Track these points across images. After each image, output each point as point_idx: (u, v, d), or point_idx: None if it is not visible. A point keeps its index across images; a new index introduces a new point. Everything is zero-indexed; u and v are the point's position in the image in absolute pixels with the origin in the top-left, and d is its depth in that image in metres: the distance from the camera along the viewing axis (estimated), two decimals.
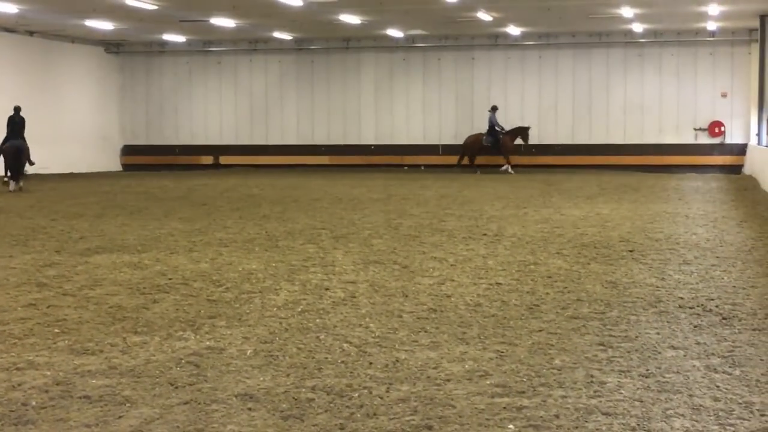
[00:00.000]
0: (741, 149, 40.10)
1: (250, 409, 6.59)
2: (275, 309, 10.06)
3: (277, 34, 41.80)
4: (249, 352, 8.19)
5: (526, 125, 40.20)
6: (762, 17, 34.30)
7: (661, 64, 41.26)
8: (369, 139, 44.13)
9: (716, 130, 40.64)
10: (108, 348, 8.34)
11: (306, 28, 39.67)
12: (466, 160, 40.04)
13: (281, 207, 22.59)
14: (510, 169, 38.84)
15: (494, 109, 40.26)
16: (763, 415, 6.34)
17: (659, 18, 36.39)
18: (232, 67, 45.38)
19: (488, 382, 7.18)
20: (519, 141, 39.77)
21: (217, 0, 31.44)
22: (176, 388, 7.10)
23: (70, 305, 10.33)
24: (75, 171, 41.88)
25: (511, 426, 6.18)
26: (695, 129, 40.95)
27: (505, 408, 6.55)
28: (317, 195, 26.42)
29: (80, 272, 12.69)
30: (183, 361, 7.89)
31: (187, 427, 6.22)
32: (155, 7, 31.64)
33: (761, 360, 7.79)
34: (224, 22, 36.51)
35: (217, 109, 45.61)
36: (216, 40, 44.27)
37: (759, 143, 35.90)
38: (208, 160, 45.22)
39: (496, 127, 39.67)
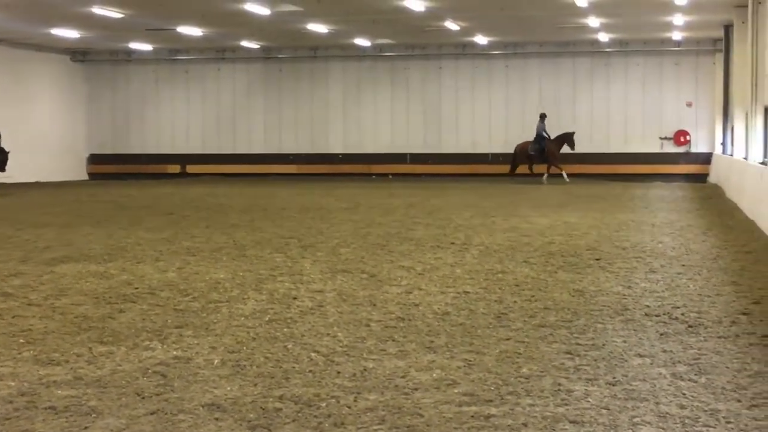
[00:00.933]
0: (706, 158, 40.42)
1: (217, 419, 6.56)
2: (243, 318, 10.02)
3: (244, 43, 41.75)
4: (216, 361, 8.15)
5: (570, 131, 39.26)
6: (726, 27, 34.61)
7: (627, 74, 41.54)
8: (337, 148, 44.14)
9: (682, 139, 40.95)
10: (74, 358, 8.27)
11: (274, 37, 39.64)
12: (521, 169, 39.34)
13: (249, 216, 22.53)
14: (566, 177, 38.09)
15: (542, 117, 39.36)
16: (729, 423, 6.38)
17: (625, 28, 36.64)
18: (200, 75, 45.26)
19: (456, 391, 7.18)
20: (566, 148, 38.87)
21: (185, 8, 31.36)
22: (143, 398, 7.06)
23: (36, 315, 10.25)
24: (41, 180, 41.61)
25: None
26: (661, 138, 41.24)
27: (473, 417, 6.55)
28: (285, 204, 26.37)
29: (46, 282, 12.59)
30: (150, 371, 7.84)
31: None
32: (121, 16, 31.52)
33: (727, 367, 7.84)
34: (191, 30, 36.41)
35: (184, 117, 45.47)
36: (183, 49, 44.14)
37: (724, 152, 36.18)
38: (175, 169, 45.06)
39: (544, 134, 38.91)
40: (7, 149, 34.71)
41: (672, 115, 40.97)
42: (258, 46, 42.95)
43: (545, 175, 38.47)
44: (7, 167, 33.15)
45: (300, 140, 44.49)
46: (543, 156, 38.58)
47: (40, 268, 13.82)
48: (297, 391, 7.22)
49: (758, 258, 14.56)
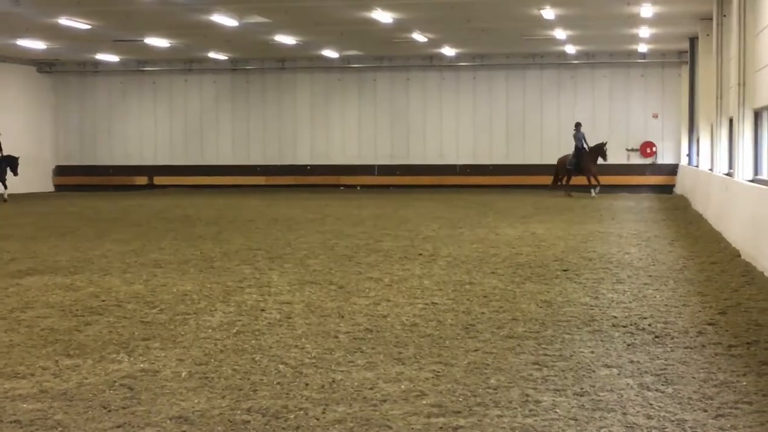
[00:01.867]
0: (672, 169, 40.68)
1: (184, 431, 6.53)
2: (210, 330, 9.99)
3: (212, 54, 41.66)
4: (184, 374, 8.11)
5: (602, 141, 37.12)
6: (691, 40, 34.88)
7: (593, 86, 41.78)
8: (305, 159, 44.10)
9: (648, 151, 41.21)
10: (39, 371, 8.21)
11: (241, 48, 39.58)
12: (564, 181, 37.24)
13: (216, 228, 22.46)
14: (594, 191, 36.05)
15: (578, 126, 37.09)
16: None
17: (592, 40, 36.86)
18: (167, 87, 45.11)
19: (424, 402, 7.18)
20: (600, 160, 37.01)
21: (152, 20, 31.25)
22: (109, 411, 7.01)
23: (1, 328, 10.17)
24: (6, 192, 41.21)
25: None
26: (627, 149, 41.48)
27: (441, 428, 6.56)
28: (253, 215, 26.32)
29: (11, 294, 12.50)
30: (116, 384, 7.80)
31: None
32: (88, 27, 31.36)
33: (693, 378, 7.89)
34: (159, 42, 36.29)
35: (151, 129, 45.29)
36: (150, 60, 43.98)
37: (689, 163, 36.43)
38: (142, 180, 44.85)
39: (582, 147, 36.58)
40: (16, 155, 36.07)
41: (638, 127, 41.24)
42: (226, 58, 42.87)
43: (596, 189, 36.04)
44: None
45: (268, 151, 44.41)
46: (580, 168, 36.48)
47: (5, 281, 13.72)
48: (265, 403, 7.20)
49: (724, 268, 14.66)
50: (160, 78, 45.07)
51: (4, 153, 35.68)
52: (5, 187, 35.38)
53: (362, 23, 31.01)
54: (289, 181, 43.34)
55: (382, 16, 29.13)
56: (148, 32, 34.37)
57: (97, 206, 31.60)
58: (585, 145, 36.45)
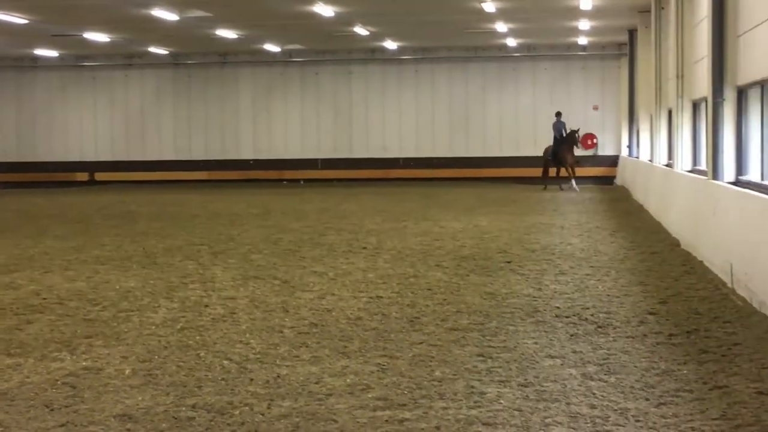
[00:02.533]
0: (613, 161, 41.04)
1: (128, 429, 6.49)
2: (154, 327, 9.93)
3: (152, 49, 41.31)
4: (127, 371, 8.06)
5: (575, 128, 36.01)
6: (630, 32, 35.19)
7: (535, 78, 42.02)
8: (247, 153, 43.91)
9: (589, 143, 41.52)
10: None
11: (182, 43, 39.28)
12: (551, 172, 36.00)
13: (159, 223, 22.31)
14: (570, 184, 34.97)
15: (558, 115, 36.33)
16: (638, 421, 6.49)
17: (532, 33, 37.05)
18: (107, 82, 44.65)
19: (370, 396, 7.20)
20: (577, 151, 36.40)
21: (90, 14, 30.90)
22: (52, 410, 6.95)
23: None
24: None
25: None
26: None
27: (387, 421, 6.57)
28: (196, 211, 26.17)
29: None
30: (59, 382, 7.73)
31: None
32: (26, 21, 30.95)
33: (635, 367, 7.98)
34: (98, 36, 35.90)
35: (92, 124, 44.81)
36: (90, 55, 43.50)
37: (630, 155, 36.78)
38: (83, 176, 44.35)
39: (557, 135, 35.58)
40: None
41: (579, 119, 41.45)
42: (166, 52, 42.52)
43: (570, 182, 35.01)
44: None
45: (210, 146, 44.14)
46: (558, 159, 35.30)
47: None
48: (210, 399, 7.18)
49: (664, 258, 14.84)
50: (100, 73, 44.60)
51: None
52: None
53: (304, 17, 30.91)
54: (231, 176, 43.11)
55: (324, 10, 29.07)
56: (87, 27, 33.99)
57: (36, 203, 31.23)
58: (564, 133, 35.53)
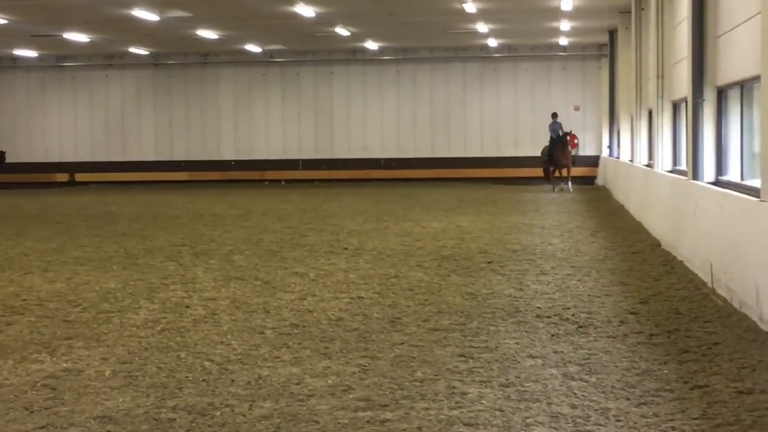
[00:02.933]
0: (594, 161, 41.14)
1: (109, 431, 6.46)
2: (134, 328, 9.89)
3: (133, 49, 41.18)
4: (107, 373, 8.03)
5: (567, 131, 35.47)
6: (611, 33, 35.30)
7: (516, 79, 42.10)
8: (229, 154, 43.84)
9: (549, 142, 41.55)
10: None
11: (163, 43, 39.18)
12: (555, 173, 35.24)
13: (140, 224, 22.24)
14: (568, 186, 33.93)
15: (554, 116, 35.55)
16: (618, 421, 6.51)
17: (513, 34, 37.12)
18: (87, 82, 44.50)
19: (351, 397, 7.19)
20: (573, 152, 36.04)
21: (70, 14, 30.79)
22: (32, 412, 6.92)
23: None
24: None
25: None
26: None
27: (368, 422, 6.57)
28: (177, 211, 26.10)
29: None
30: (39, 384, 7.69)
31: None
32: (5, 21, 30.82)
33: (616, 366, 8.00)
34: (78, 36, 35.77)
35: (72, 125, 44.64)
36: (70, 55, 43.34)
37: (610, 155, 36.88)
38: (63, 177, 44.18)
39: (553, 136, 34.79)
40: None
41: (560, 119, 41.58)
42: (147, 53, 42.41)
43: (565, 183, 34.15)
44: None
45: (191, 147, 44.06)
46: (553, 161, 34.73)
47: None
48: (191, 400, 7.16)
49: (645, 258, 14.89)
50: (80, 73, 44.45)
51: None
52: None
53: (285, 17, 30.88)
54: (213, 177, 43.03)
55: (305, 10, 29.05)
56: (66, 27, 33.86)
57: (15, 204, 31.09)
58: (558, 136, 34.62)
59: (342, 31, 34.82)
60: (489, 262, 14.68)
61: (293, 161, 43.39)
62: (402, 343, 8.99)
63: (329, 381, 7.66)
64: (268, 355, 8.59)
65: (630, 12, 28.27)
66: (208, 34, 35.33)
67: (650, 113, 24.11)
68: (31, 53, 42.15)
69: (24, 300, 11.78)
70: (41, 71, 44.51)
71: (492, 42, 39.47)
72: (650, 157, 24.25)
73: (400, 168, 42.16)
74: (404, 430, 6.38)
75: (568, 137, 34.77)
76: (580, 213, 24.20)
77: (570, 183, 33.93)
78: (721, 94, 15.70)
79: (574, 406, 6.86)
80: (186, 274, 13.80)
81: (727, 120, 15.68)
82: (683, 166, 18.72)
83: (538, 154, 41.22)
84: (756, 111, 13.49)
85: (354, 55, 42.66)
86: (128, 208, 28.00)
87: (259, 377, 7.81)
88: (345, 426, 6.49)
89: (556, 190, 33.92)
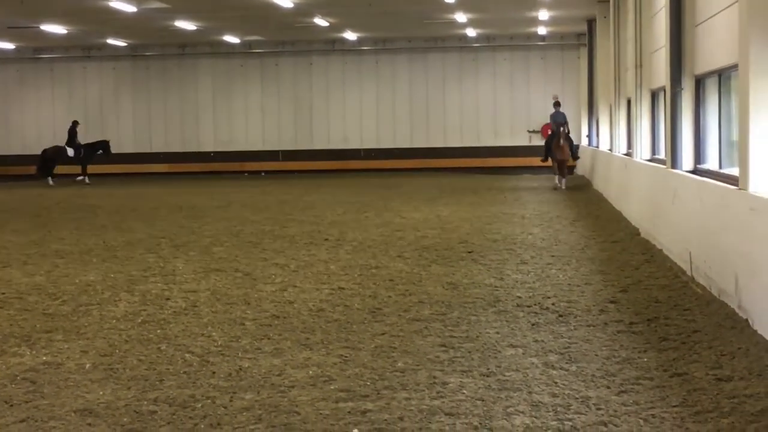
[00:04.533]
0: (576, 150, 41.19)
1: (89, 424, 6.45)
2: (114, 321, 9.87)
3: (111, 41, 41.01)
4: (88, 365, 8.01)
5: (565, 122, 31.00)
6: (589, 22, 35.35)
7: (494, 69, 42.14)
8: (208, 146, 43.73)
9: (549, 132, 41.67)
10: None
11: (140, 35, 39.03)
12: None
13: (119, 216, 22.16)
14: (561, 183, 30.13)
15: (556, 105, 31.61)
16: (599, 409, 6.53)
17: (492, 23, 37.15)
18: (65, 74, 44.29)
19: (332, 387, 7.20)
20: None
21: (47, 6, 30.63)
22: (11, 405, 6.89)
23: None
24: None
25: (356, 430, 6.22)
26: (529, 131, 41.95)
27: (349, 412, 6.58)
28: (156, 204, 26.02)
29: None
30: (18, 377, 7.67)
31: None
32: None
33: (596, 355, 8.03)
34: (55, 28, 35.60)
35: (50, 117, 44.41)
36: (47, 47, 43.12)
37: (589, 144, 36.97)
38: None
39: (554, 128, 31.05)
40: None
41: (539, 109, 41.62)
42: (125, 44, 42.24)
43: (561, 182, 30.26)
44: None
45: (170, 139, 43.92)
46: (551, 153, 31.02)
47: None
48: (172, 393, 7.15)
49: (624, 247, 14.94)
50: (58, 65, 44.24)
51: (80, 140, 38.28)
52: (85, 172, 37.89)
53: (263, 8, 30.82)
54: (192, 169, 42.91)
55: (283, 1, 28.98)
56: (43, 19, 33.69)
57: None
58: (565, 128, 30.41)
59: (321, 21, 34.77)
60: (469, 252, 14.71)
61: (273, 152, 43.33)
62: (383, 334, 9.00)
63: (310, 372, 7.66)
64: (249, 347, 8.58)
65: (608, 1, 28.31)
66: (186, 25, 35.21)
67: (629, 102, 24.16)
68: (9, 45, 41.92)
69: (3, 293, 11.73)
70: (18, 63, 44.27)
71: (471, 32, 39.49)
72: (629, 146, 24.30)
73: (379, 158, 42.17)
74: (385, 420, 6.39)
75: (562, 130, 30.08)
76: (560, 202, 24.25)
77: (564, 181, 29.98)
78: (699, 82, 15.75)
79: (554, 395, 6.88)
80: (166, 267, 13.77)
81: (705, 109, 15.74)
82: (662, 155, 18.78)
83: (518, 143, 41.35)
84: (734, 99, 13.55)
85: (333, 46, 42.61)
86: (107, 200, 27.90)
87: (240, 369, 7.81)
88: (326, 417, 6.50)
89: (556, 185, 29.98)
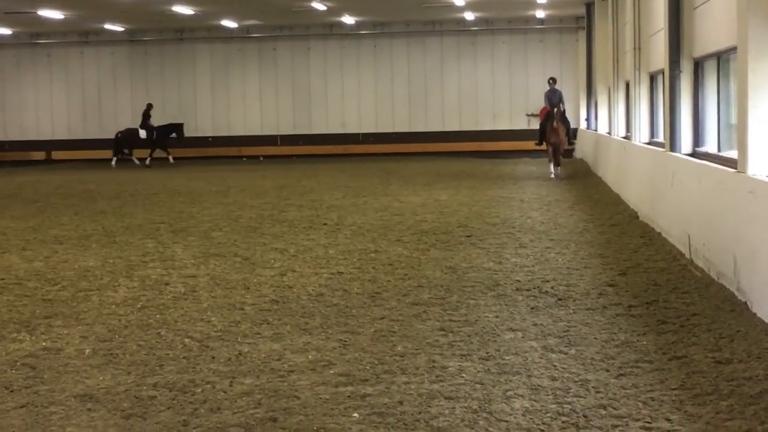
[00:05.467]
0: (572, 134, 41.15)
1: (89, 409, 6.46)
2: (114, 306, 9.88)
3: (108, 26, 40.92)
4: (87, 351, 8.02)
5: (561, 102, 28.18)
6: (588, 5, 35.30)
7: (493, 52, 42.04)
8: (206, 130, 43.65)
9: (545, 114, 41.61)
10: None
11: (138, 19, 38.94)
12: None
13: (118, 202, 22.15)
14: (556, 171, 27.30)
15: (551, 81, 29.09)
16: (598, 392, 6.55)
17: (490, 6, 37.06)
18: (63, 60, 44.19)
19: (332, 372, 7.21)
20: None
21: None
22: (11, 391, 6.90)
23: None
24: None
25: (355, 414, 6.23)
26: (528, 115, 41.88)
27: (349, 396, 6.59)
28: (155, 189, 26.01)
29: None
30: (18, 363, 7.68)
31: (24, 431, 6.06)
32: None
33: (595, 338, 8.04)
34: (52, 13, 35.51)
35: (48, 103, 44.36)
36: (44, 33, 43.03)
37: (588, 127, 36.95)
38: (39, 155, 43.92)
39: (548, 107, 28.10)
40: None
41: (538, 92, 41.46)
42: (122, 29, 42.14)
43: (556, 169, 27.40)
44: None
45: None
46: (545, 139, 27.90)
47: None
48: (171, 378, 7.16)
49: (623, 230, 14.95)
50: (56, 50, 44.15)
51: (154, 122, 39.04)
52: (167, 153, 38.63)
53: None
54: (190, 154, 42.83)
55: None
56: (40, 4, 33.61)
57: None
58: (561, 107, 27.42)
59: (318, 5, 34.68)
60: (468, 236, 14.71)
61: (271, 137, 43.25)
62: (382, 318, 9.01)
63: (310, 356, 7.67)
64: (248, 332, 8.59)
65: None
66: (183, 9, 35.12)
67: (627, 85, 24.13)
68: (6, 31, 41.81)
69: (2, 279, 11.73)
70: (16, 49, 44.18)
71: (469, 15, 39.40)
72: (628, 129, 24.28)
73: (378, 143, 42.10)
74: (385, 404, 6.40)
75: (557, 109, 27.10)
76: (558, 186, 24.24)
77: (559, 168, 27.24)
78: (698, 65, 15.73)
79: (553, 378, 6.89)
80: (165, 252, 13.77)
81: (703, 91, 15.72)
82: (660, 138, 18.77)
83: (517, 127, 41.27)
84: (732, 82, 13.53)
85: (331, 30, 42.51)
86: (106, 186, 27.88)
87: (240, 354, 7.81)
88: (326, 401, 6.51)
89: (551, 176, 26.97)
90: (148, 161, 38.10)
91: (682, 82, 15.88)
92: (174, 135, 38.87)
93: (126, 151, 38.96)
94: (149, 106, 39.42)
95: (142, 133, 38.66)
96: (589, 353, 7.57)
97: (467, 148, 41.05)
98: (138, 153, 39.08)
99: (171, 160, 38.46)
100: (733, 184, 10.27)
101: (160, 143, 38.72)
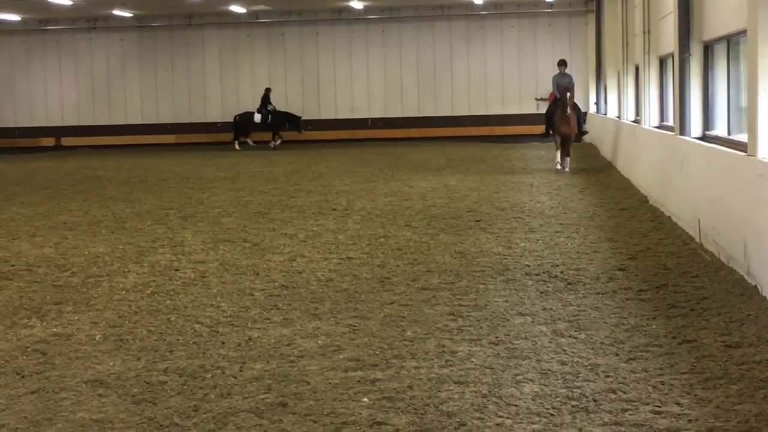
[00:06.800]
0: (583, 121, 41.03)
1: (100, 395, 6.48)
2: (124, 292, 9.90)
3: (117, 12, 40.91)
4: (98, 337, 8.04)
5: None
6: None
7: (502, 37, 41.94)
8: (215, 116, 43.65)
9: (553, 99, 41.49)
10: None
11: (147, 5, 38.93)
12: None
13: (127, 188, 22.18)
14: (565, 162, 24.45)
15: (561, 64, 25.52)
16: (608, 377, 6.54)
17: None
18: (72, 46, 44.22)
19: (341, 357, 7.21)
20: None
21: None
22: (23, 377, 6.93)
23: None
24: None
25: (365, 399, 6.24)
26: (537, 99, 41.78)
27: (359, 381, 6.60)
28: (164, 175, 26.03)
29: None
30: (29, 349, 7.70)
31: (36, 416, 6.08)
32: None
33: (605, 323, 8.04)
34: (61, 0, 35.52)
35: (57, 89, 44.40)
36: (53, 19, 43.04)
37: (597, 111, 36.86)
38: (49, 141, 44.00)
39: (556, 93, 25.00)
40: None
41: (547, 76, 41.13)
42: (131, 15, 42.13)
43: (564, 161, 24.54)
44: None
45: (178, 109, 43.86)
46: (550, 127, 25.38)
47: None
48: (181, 363, 7.17)
49: (633, 215, 14.92)
50: (64, 37, 44.16)
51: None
52: (275, 137, 38.86)
53: None
54: (200, 139, 42.85)
55: None
56: None
57: (2, 169, 30.95)
58: (571, 93, 24.33)
59: None
60: (477, 221, 14.70)
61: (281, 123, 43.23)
62: (391, 303, 9.02)
63: (319, 341, 7.68)
64: (258, 317, 8.60)
65: None
66: None
67: (637, 69, 24.05)
68: (14, 17, 41.85)
69: (12, 265, 11.76)
70: (24, 35, 44.21)
71: None
72: (637, 113, 24.20)
73: (387, 128, 42.07)
74: (395, 389, 6.41)
75: (570, 93, 24.11)
76: (568, 170, 24.17)
77: (568, 160, 24.54)
78: (708, 48, 15.67)
79: (563, 363, 6.89)
80: (174, 237, 13.79)
81: (713, 75, 15.67)
82: (670, 122, 18.71)
83: (526, 111, 41.15)
84: (742, 65, 13.48)
85: (339, 15, 42.45)
86: (115, 172, 27.91)
87: (250, 339, 7.83)
88: (336, 386, 6.52)
89: (558, 168, 24.14)
90: (272, 144, 38.47)
91: (691, 66, 15.83)
92: (288, 124, 39.04)
93: (240, 133, 39.18)
94: (267, 90, 39.59)
95: (257, 117, 39.00)
96: (598, 337, 7.56)
97: (476, 132, 40.97)
98: (255, 137, 39.55)
99: (272, 144, 38.57)
100: (743, 167, 10.24)
101: (274, 129, 38.95)
